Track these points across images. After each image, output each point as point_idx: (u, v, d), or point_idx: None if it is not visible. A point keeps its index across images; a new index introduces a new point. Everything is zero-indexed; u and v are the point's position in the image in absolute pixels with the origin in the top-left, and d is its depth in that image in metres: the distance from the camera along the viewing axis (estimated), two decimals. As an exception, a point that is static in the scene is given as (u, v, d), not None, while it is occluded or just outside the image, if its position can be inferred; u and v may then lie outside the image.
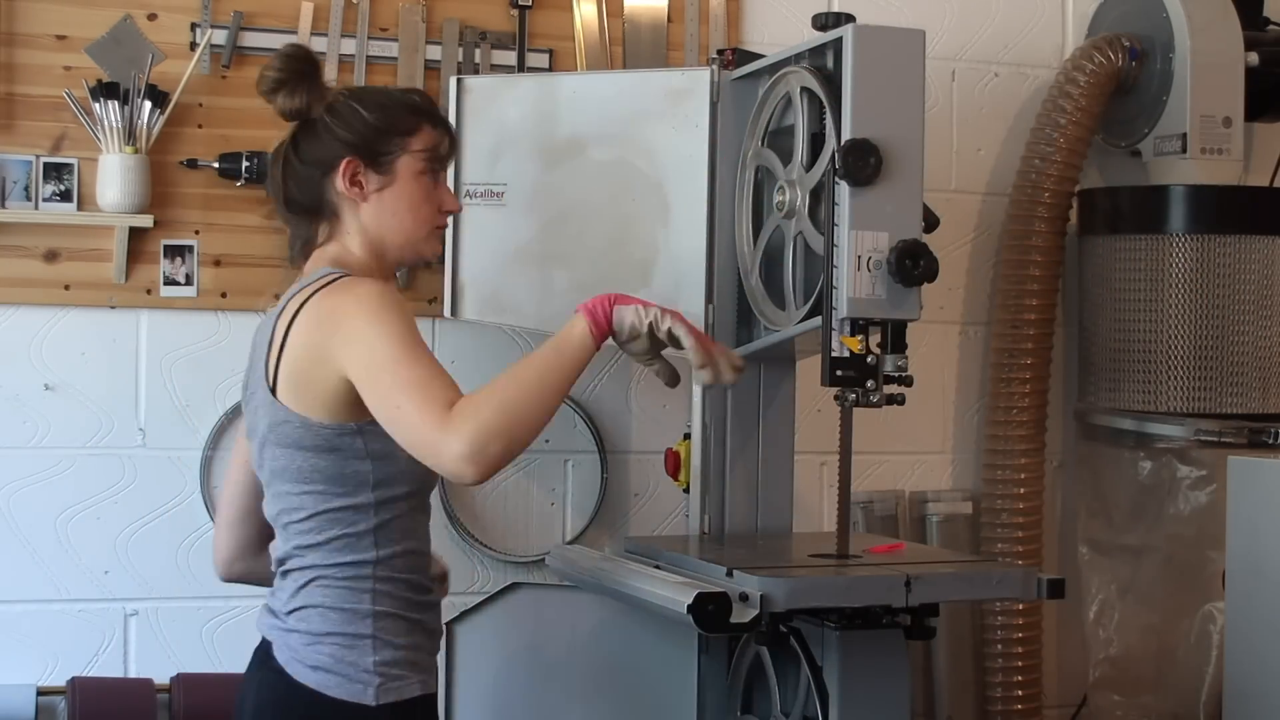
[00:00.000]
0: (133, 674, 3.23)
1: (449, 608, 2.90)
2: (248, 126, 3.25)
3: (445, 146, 2.61)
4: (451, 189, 2.67)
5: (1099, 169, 3.83)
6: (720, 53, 3.09)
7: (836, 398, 2.71)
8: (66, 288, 3.19)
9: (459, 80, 3.23)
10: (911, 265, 2.62)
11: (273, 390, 2.44)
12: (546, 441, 3.44)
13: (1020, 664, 3.65)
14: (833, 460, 3.32)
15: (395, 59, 3.32)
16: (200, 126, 3.25)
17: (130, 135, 3.13)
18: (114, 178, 3.13)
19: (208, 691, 3.14)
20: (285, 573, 2.50)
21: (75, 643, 3.21)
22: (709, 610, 2.49)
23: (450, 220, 2.76)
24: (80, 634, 3.21)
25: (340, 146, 2.53)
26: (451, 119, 3.12)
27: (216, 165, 3.23)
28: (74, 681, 3.11)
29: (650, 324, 2.48)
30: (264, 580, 2.63)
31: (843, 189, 2.63)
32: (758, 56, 3.03)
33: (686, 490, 3.13)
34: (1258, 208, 3.64)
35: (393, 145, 2.54)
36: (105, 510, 3.22)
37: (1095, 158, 3.78)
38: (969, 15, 3.76)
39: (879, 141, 2.62)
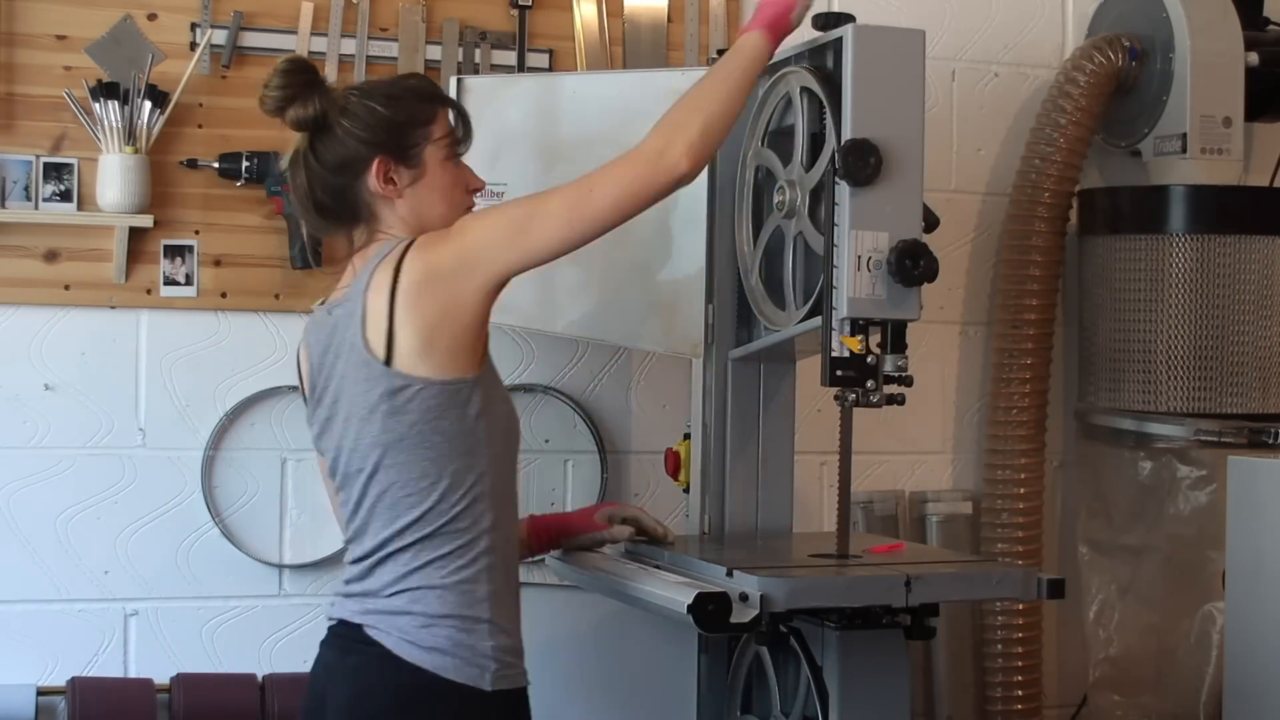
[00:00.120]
0: (133, 674, 3.23)
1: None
2: (248, 126, 3.25)
3: (461, 128, 2.63)
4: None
5: (1099, 169, 3.83)
6: (720, 53, 3.08)
7: (836, 398, 2.71)
8: (66, 288, 3.19)
9: (459, 80, 3.23)
10: (911, 265, 2.62)
11: (387, 361, 2.42)
12: (546, 441, 3.44)
13: (1020, 664, 3.65)
14: (833, 460, 3.32)
15: (395, 59, 3.32)
16: (200, 126, 3.25)
17: (130, 135, 3.13)
18: (114, 178, 3.13)
19: (208, 691, 3.14)
20: (390, 555, 2.47)
21: (75, 643, 3.21)
22: (709, 610, 2.49)
23: None
24: (80, 634, 3.21)
25: (365, 147, 2.53)
26: (451, 119, 3.12)
27: (216, 165, 3.24)
28: (74, 681, 3.11)
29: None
30: None
31: (843, 189, 2.63)
32: (758, 56, 3.02)
33: (686, 490, 3.13)
34: (1258, 208, 3.64)
35: (416, 137, 2.56)
36: (105, 510, 3.23)
37: (1095, 158, 3.78)
38: (969, 15, 3.76)
39: (879, 141, 2.62)
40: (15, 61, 3.16)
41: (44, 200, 3.17)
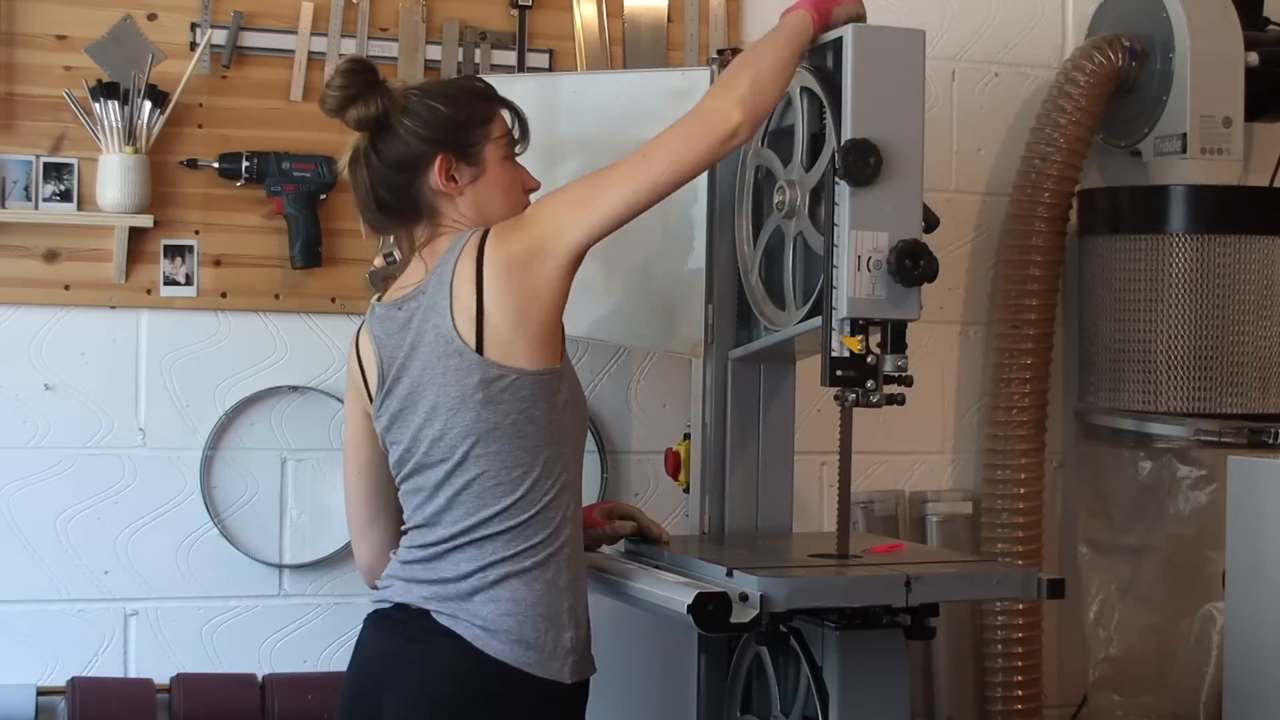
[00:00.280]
0: (133, 674, 3.23)
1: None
2: (248, 126, 3.25)
3: (518, 128, 2.68)
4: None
5: (1099, 169, 3.83)
6: (720, 53, 3.08)
7: (836, 398, 2.71)
8: (66, 288, 3.19)
9: (459, 80, 3.23)
10: (911, 265, 2.62)
11: (479, 349, 2.46)
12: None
13: (1020, 664, 3.65)
14: (833, 460, 3.32)
15: (395, 59, 3.32)
16: (200, 126, 3.25)
17: (130, 135, 3.13)
18: (114, 178, 3.13)
19: (208, 691, 3.14)
20: (470, 542, 2.48)
21: (75, 643, 3.21)
22: (709, 610, 2.49)
23: None
24: (80, 634, 3.21)
25: (428, 145, 2.57)
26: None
27: (216, 165, 3.24)
28: (74, 681, 3.11)
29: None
30: None
31: (843, 189, 2.63)
32: (758, 56, 3.02)
33: (686, 490, 3.13)
34: (1258, 208, 3.64)
35: (477, 135, 2.60)
36: (105, 510, 3.23)
37: (1095, 158, 3.78)
38: (969, 15, 3.76)
39: (879, 141, 2.62)
40: (15, 61, 3.16)
41: (44, 200, 3.17)
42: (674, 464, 3.15)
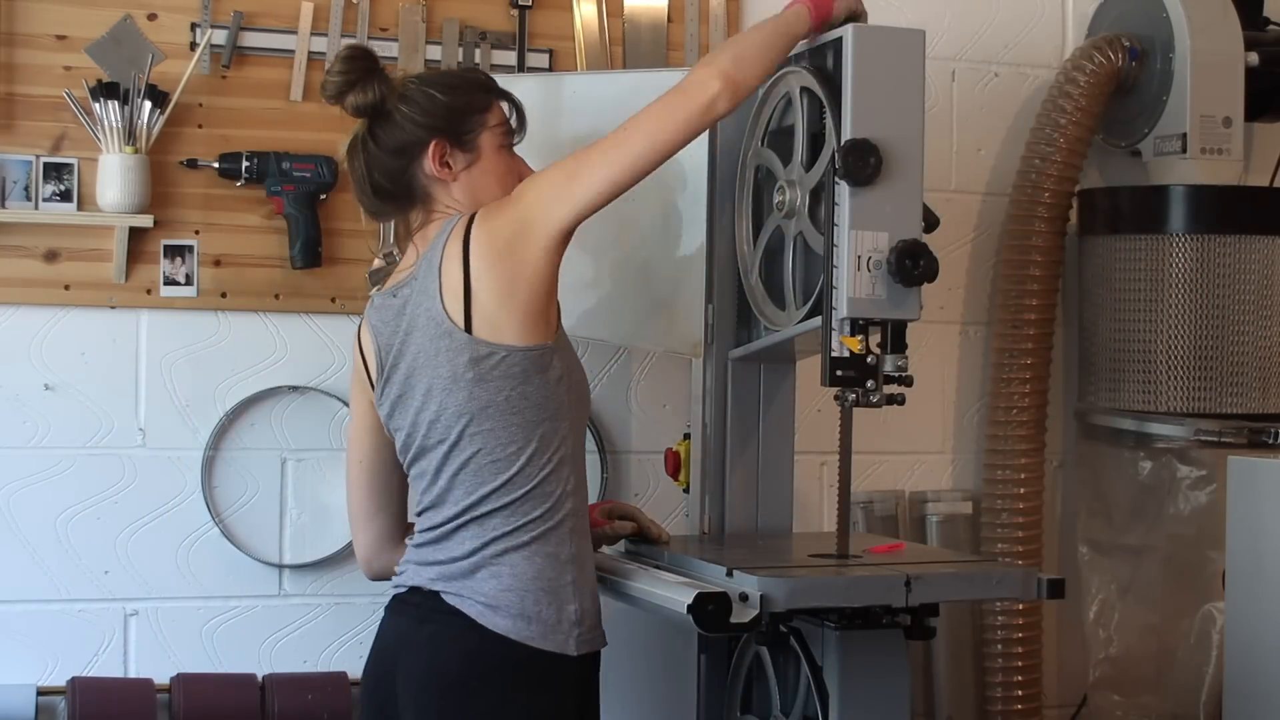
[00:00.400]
0: (133, 674, 3.23)
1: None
2: (248, 126, 3.25)
3: (515, 119, 2.72)
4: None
5: (1099, 169, 3.83)
6: (720, 53, 3.08)
7: (836, 398, 2.71)
8: (66, 288, 3.19)
9: (459, 80, 3.22)
10: (911, 265, 2.62)
11: (468, 329, 2.49)
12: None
13: (1020, 664, 3.65)
14: (833, 460, 3.32)
15: (395, 59, 3.32)
16: (200, 126, 3.25)
17: (130, 135, 3.13)
18: (114, 178, 3.13)
19: (208, 691, 3.14)
20: (472, 520, 2.52)
21: (75, 643, 3.21)
22: (709, 610, 2.49)
23: None
24: (80, 634, 3.21)
25: (423, 131, 2.62)
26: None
27: (216, 165, 3.24)
28: (74, 681, 3.11)
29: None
30: None
31: (843, 189, 2.63)
32: (758, 56, 3.02)
33: (686, 490, 3.13)
34: (1258, 208, 3.64)
35: (473, 123, 2.64)
36: (105, 510, 3.22)
37: (1095, 158, 3.78)
38: (969, 15, 3.76)
39: (879, 141, 2.62)
40: (15, 61, 3.16)
41: (44, 200, 3.17)
42: (674, 464, 3.15)
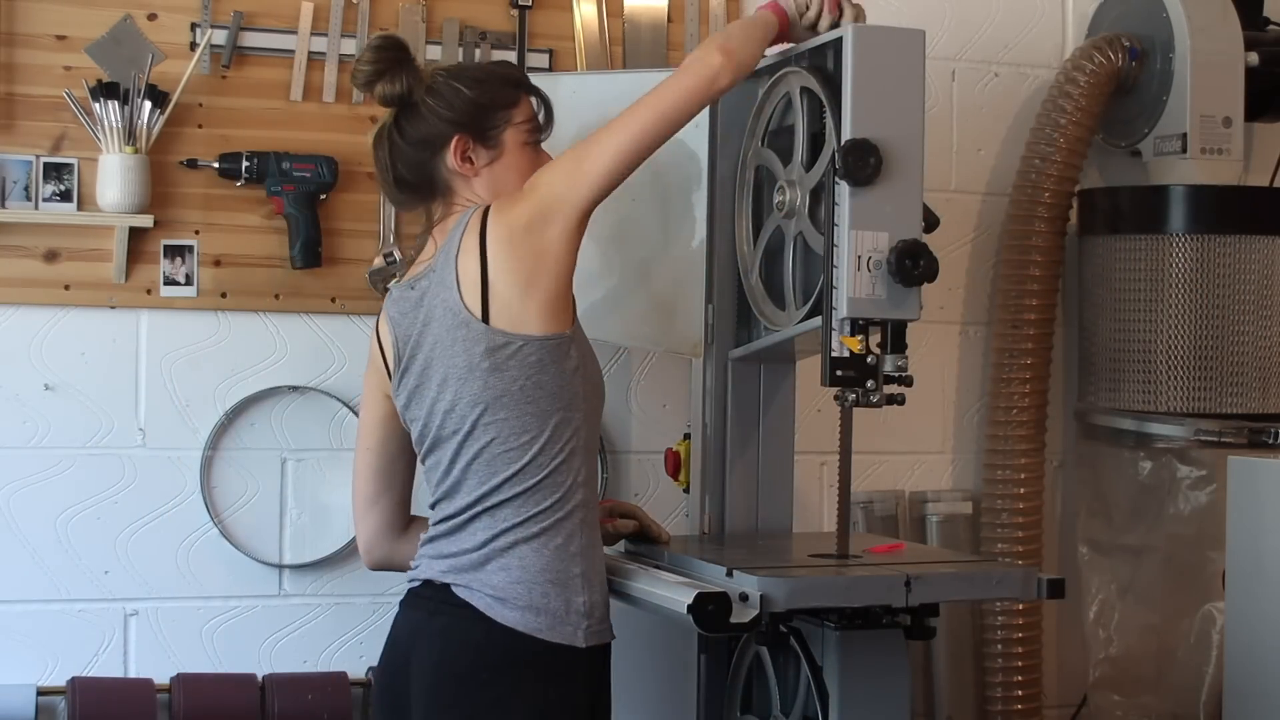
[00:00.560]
0: (133, 674, 3.22)
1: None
2: (248, 126, 3.25)
3: (544, 115, 2.74)
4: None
5: (1099, 169, 3.83)
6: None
7: (836, 398, 2.71)
8: (66, 288, 3.19)
9: (459, 80, 3.22)
10: (911, 265, 2.62)
11: (484, 319, 2.51)
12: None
13: (1020, 664, 3.65)
14: (833, 460, 3.32)
15: (395, 59, 3.32)
16: (200, 126, 3.25)
17: (130, 135, 3.13)
18: (114, 178, 3.13)
19: (208, 691, 3.14)
20: (484, 511, 2.53)
21: (75, 643, 3.21)
22: (709, 610, 2.49)
23: None
24: (80, 634, 3.21)
25: (447, 125, 2.64)
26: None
27: (216, 165, 3.23)
28: (74, 681, 3.11)
29: None
30: (404, 566, 2.70)
31: (843, 189, 2.63)
32: (758, 56, 3.03)
33: (686, 490, 3.13)
34: (1258, 208, 3.63)
35: (498, 119, 2.67)
36: (105, 510, 3.22)
37: (1095, 158, 3.78)
38: (969, 15, 3.76)
39: (879, 141, 2.62)
40: (15, 61, 3.16)
41: (44, 200, 3.17)
42: (674, 464, 3.15)
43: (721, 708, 2.98)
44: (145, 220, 3.16)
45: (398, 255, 3.25)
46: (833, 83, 2.70)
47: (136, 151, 3.13)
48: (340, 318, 3.31)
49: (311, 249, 3.25)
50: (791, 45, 2.85)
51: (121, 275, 3.20)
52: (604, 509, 2.94)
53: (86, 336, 3.22)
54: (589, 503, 2.60)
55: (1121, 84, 3.64)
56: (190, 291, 3.25)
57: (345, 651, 3.32)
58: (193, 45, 3.23)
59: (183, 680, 3.15)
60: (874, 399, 2.67)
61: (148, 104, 3.14)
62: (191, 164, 3.23)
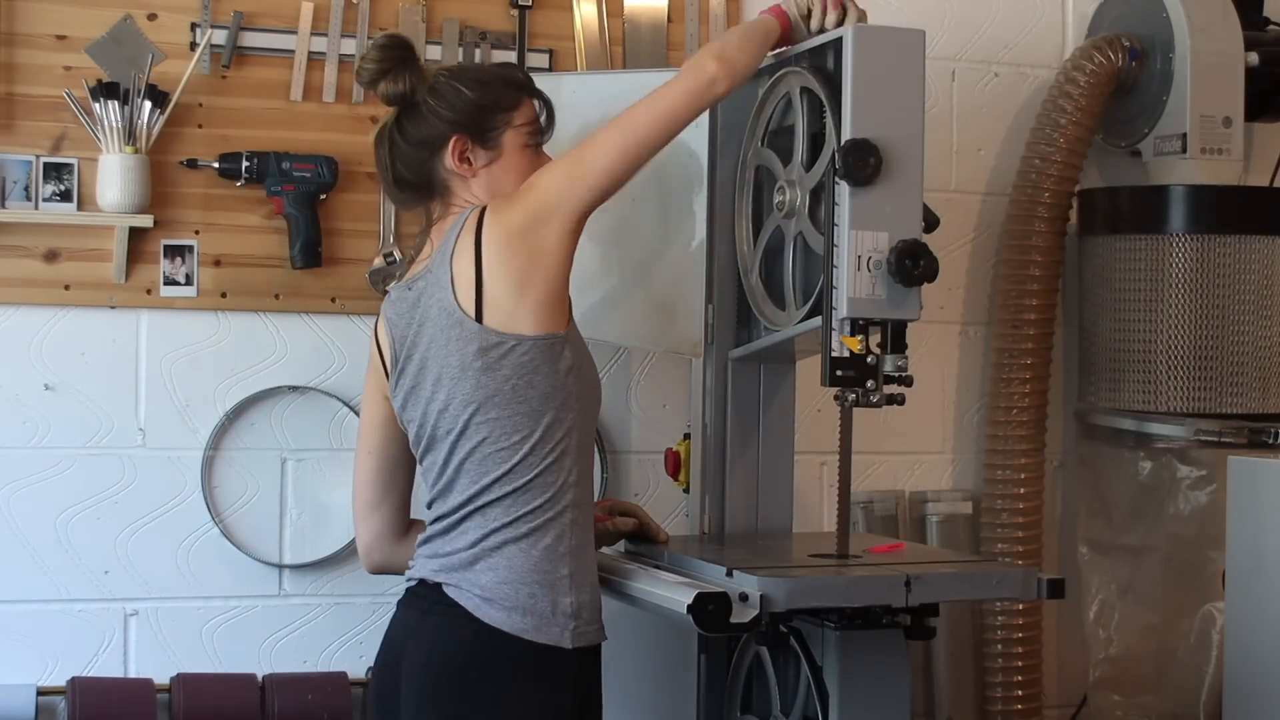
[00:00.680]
0: (133, 674, 3.22)
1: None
2: (248, 126, 3.25)
3: (545, 118, 2.74)
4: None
5: (1099, 169, 3.83)
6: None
7: (836, 398, 2.71)
8: (66, 288, 3.19)
9: (459, 80, 3.22)
10: (911, 265, 2.62)
11: (478, 318, 2.51)
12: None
13: (1020, 664, 3.65)
14: (833, 460, 3.32)
15: (395, 59, 3.32)
16: (200, 126, 3.25)
17: (130, 135, 3.13)
18: (114, 178, 3.13)
19: (208, 691, 3.14)
20: (475, 510, 2.54)
21: (75, 643, 3.21)
22: (709, 610, 2.49)
23: None
24: (80, 634, 3.21)
25: (446, 125, 2.65)
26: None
27: (216, 165, 3.23)
28: (74, 681, 3.11)
29: None
30: (403, 569, 2.70)
31: (843, 189, 2.63)
32: (758, 57, 3.03)
33: (686, 490, 3.13)
34: (1258, 208, 3.63)
35: (497, 121, 2.68)
36: (105, 510, 3.22)
37: (1095, 158, 3.78)
38: (969, 15, 3.76)
39: (879, 141, 2.62)
40: (15, 61, 3.16)
41: (44, 200, 3.17)
42: (674, 464, 3.15)
43: (721, 708, 2.98)
44: (145, 220, 3.16)
45: (398, 255, 3.26)
46: (833, 83, 2.71)
47: (136, 151, 3.13)
48: (340, 318, 3.31)
49: (311, 249, 3.25)
50: (793, 47, 2.85)
51: (121, 275, 3.20)
52: (604, 507, 2.95)
53: (86, 336, 3.21)
54: (581, 503, 2.60)
55: (1121, 84, 3.64)
56: (190, 291, 3.25)
57: (345, 651, 3.32)
58: (193, 45, 3.23)
59: (183, 680, 3.15)
60: (874, 399, 2.68)
61: (148, 104, 3.14)
62: (191, 164, 3.23)
